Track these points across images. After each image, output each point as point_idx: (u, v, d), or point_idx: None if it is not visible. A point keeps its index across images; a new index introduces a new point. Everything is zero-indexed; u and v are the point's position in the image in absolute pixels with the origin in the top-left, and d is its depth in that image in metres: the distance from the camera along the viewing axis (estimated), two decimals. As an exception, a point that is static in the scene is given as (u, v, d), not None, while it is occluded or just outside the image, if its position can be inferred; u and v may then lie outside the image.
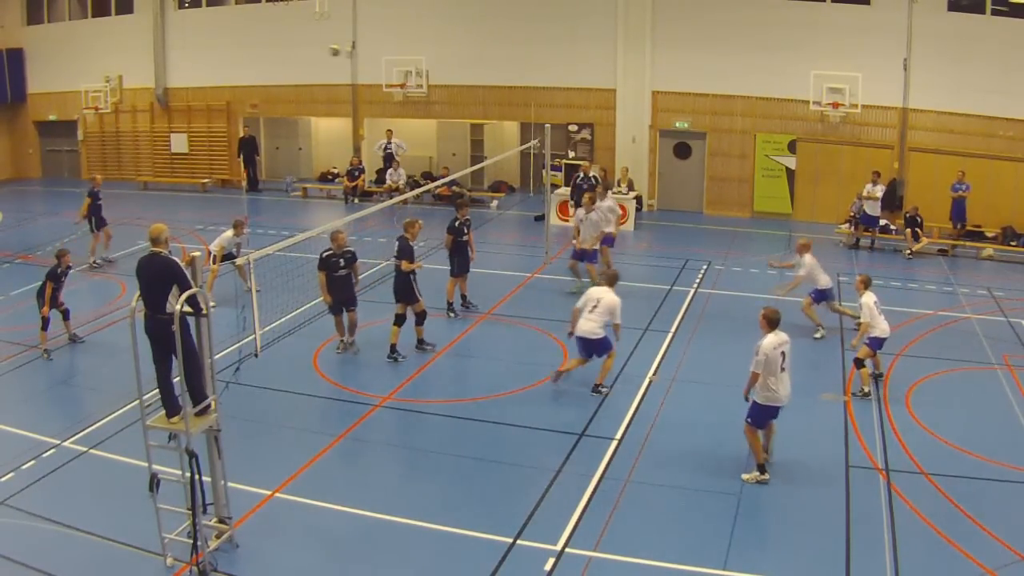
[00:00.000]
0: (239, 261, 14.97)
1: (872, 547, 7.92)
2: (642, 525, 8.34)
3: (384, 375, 12.06)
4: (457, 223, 14.45)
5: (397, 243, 12.74)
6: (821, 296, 13.74)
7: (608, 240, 16.17)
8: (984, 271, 18.33)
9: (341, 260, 12.38)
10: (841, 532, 8.18)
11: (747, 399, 9.20)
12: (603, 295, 11.30)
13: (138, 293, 7.44)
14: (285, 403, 11.11)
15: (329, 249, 12.36)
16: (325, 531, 8.32)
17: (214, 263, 15.07)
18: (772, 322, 9.04)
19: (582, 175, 19.90)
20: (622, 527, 8.28)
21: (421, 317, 12.81)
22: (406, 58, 24.96)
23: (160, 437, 7.62)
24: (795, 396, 11.19)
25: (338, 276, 12.36)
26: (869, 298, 11.39)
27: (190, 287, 7.21)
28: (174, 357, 7.43)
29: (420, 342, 12.91)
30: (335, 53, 25.20)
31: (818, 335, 13.52)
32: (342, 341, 12.82)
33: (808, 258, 13.49)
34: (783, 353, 8.95)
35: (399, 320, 12.57)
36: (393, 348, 12.53)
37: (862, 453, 9.75)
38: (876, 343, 11.46)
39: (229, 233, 15.42)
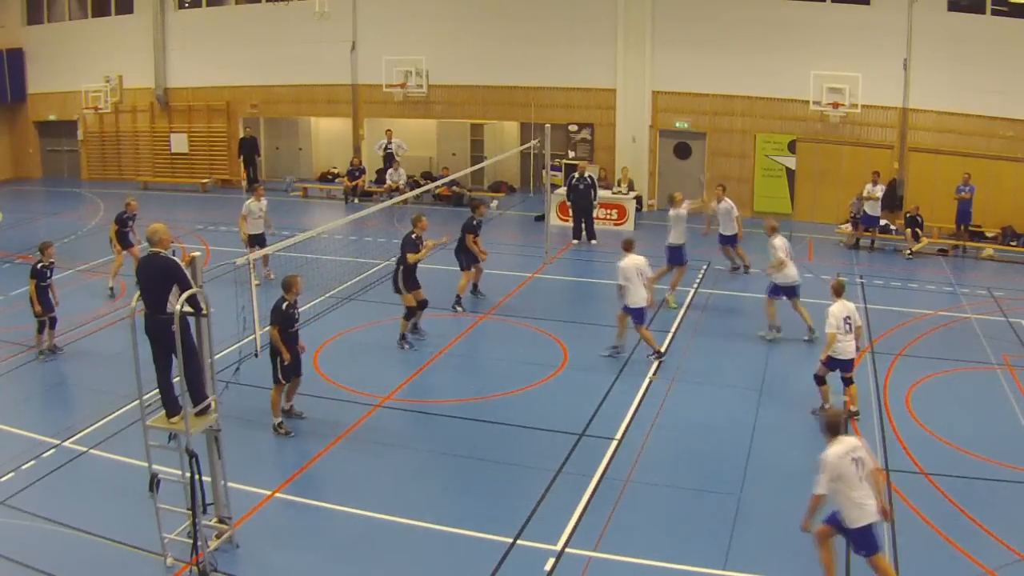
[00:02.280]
0: (239, 261, 14.97)
1: (872, 547, 7.91)
2: (642, 525, 8.34)
3: (384, 375, 12.06)
4: (475, 222, 15.00)
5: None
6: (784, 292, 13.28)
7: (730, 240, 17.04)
8: (984, 271, 18.33)
9: (296, 313, 10.40)
10: (841, 532, 8.17)
11: (806, 530, 7.23)
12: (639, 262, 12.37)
13: (138, 293, 7.44)
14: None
15: (285, 299, 10.16)
16: (325, 531, 8.32)
17: (249, 246, 15.81)
18: (834, 427, 7.11)
19: (577, 175, 19.89)
20: (622, 527, 8.28)
21: (408, 312, 13.00)
22: (406, 58, 24.94)
23: (160, 437, 7.63)
24: (795, 396, 11.24)
25: (293, 333, 10.30)
26: (837, 308, 10.31)
27: (190, 287, 7.21)
28: (174, 357, 7.43)
29: (402, 337, 12.97)
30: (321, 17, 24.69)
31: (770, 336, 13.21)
32: (282, 425, 10.35)
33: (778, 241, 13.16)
34: (855, 460, 6.96)
35: (420, 306, 13.10)
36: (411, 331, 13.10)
37: (862, 453, 9.73)
38: (831, 363, 10.39)
39: (250, 200, 16.17)
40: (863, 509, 6.86)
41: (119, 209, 16.41)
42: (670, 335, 13.62)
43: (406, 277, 12.93)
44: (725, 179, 22.91)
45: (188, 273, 7.30)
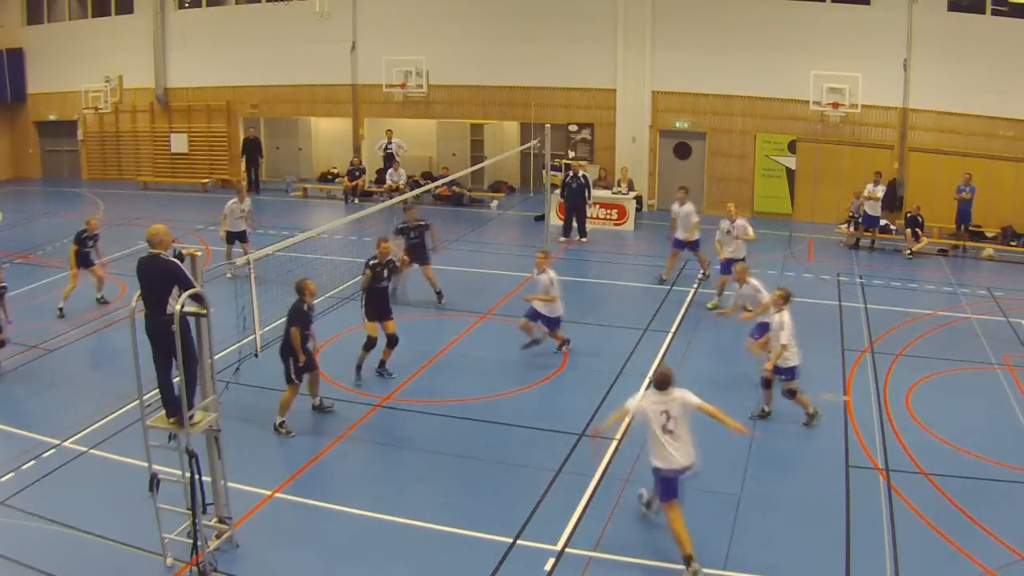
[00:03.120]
0: (239, 261, 15.01)
1: (872, 547, 7.92)
2: (642, 525, 8.34)
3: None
4: (402, 225, 14.80)
5: None
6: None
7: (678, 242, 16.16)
8: (984, 271, 18.34)
9: (312, 313, 10.62)
10: (841, 532, 8.18)
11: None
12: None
13: (138, 293, 7.43)
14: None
15: (304, 300, 10.30)
16: (325, 531, 8.32)
17: (228, 242, 16.75)
18: (661, 383, 7.75)
19: (571, 174, 19.82)
20: (622, 527, 8.28)
21: (367, 341, 11.74)
22: (406, 58, 24.95)
23: (160, 437, 7.63)
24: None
25: (307, 335, 10.45)
26: (788, 317, 10.10)
27: (191, 287, 7.20)
28: (174, 358, 7.42)
29: (357, 367, 11.85)
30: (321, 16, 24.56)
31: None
32: (283, 425, 10.35)
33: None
34: (664, 412, 7.56)
35: (371, 343, 11.74)
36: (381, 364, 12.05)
37: (862, 453, 9.75)
38: (780, 370, 10.22)
39: (232, 201, 16.64)
40: (662, 456, 7.58)
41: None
42: (670, 335, 13.63)
43: (367, 303, 11.73)
44: (725, 179, 23.03)
45: (188, 271, 7.29)
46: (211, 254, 16.02)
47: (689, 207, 16.07)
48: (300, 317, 10.18)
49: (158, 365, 7.61)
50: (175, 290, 7.27)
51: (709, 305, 14.87)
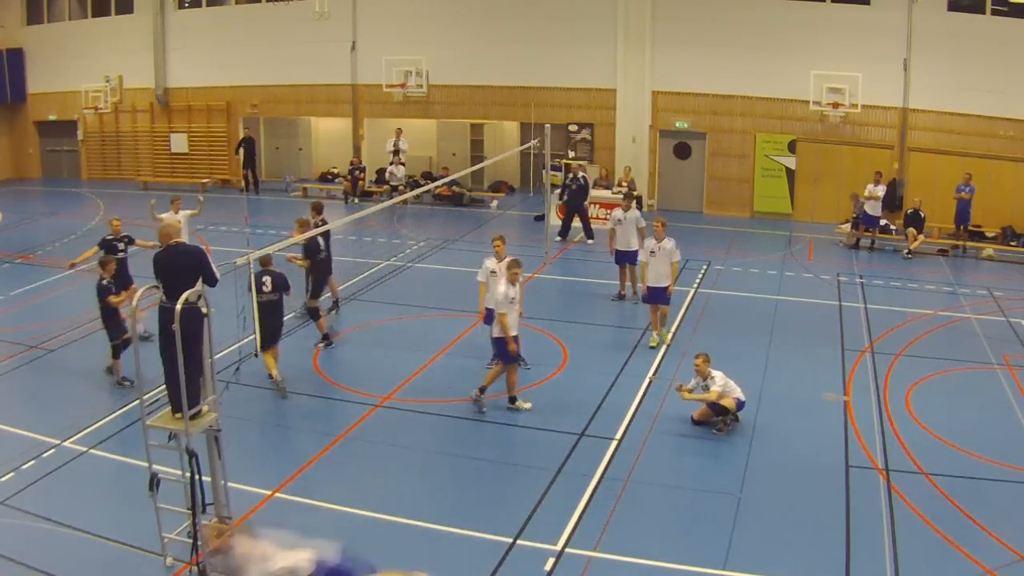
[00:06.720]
0: (239, 261, 14.97)
1: (872, 547, 7.92)
2: (642, 525, 8.34)
3: (384, 375, 12.05)
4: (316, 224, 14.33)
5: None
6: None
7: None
8: (984, 271, 18.33)
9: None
10: (841, 532, 8.17)
11: None
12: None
13: (140, 292, 7.41)
14: (285, 403, 11.10)
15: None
16: (325, 531, 8.29)
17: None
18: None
19: (571, 176, 19.69)
20: (622, 527, 8.28)
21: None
22: (406, 58, 24.95)
23: (160, 437, 7.62)
24: (795, 396, 11.28)
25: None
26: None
27: (212, 275, 7.27)
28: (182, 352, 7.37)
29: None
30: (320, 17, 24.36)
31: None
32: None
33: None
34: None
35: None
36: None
37: (862, 453, 9.74)
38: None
39: (167, 213, 15.74)
40: None
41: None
42: (671, 335, 13.62)
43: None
44: (725, 179, 23.02)
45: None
46: (211, 254, 15.94)
47: (635, 212, 15.22)
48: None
49: (165, 356, 7.49)
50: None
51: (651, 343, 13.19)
